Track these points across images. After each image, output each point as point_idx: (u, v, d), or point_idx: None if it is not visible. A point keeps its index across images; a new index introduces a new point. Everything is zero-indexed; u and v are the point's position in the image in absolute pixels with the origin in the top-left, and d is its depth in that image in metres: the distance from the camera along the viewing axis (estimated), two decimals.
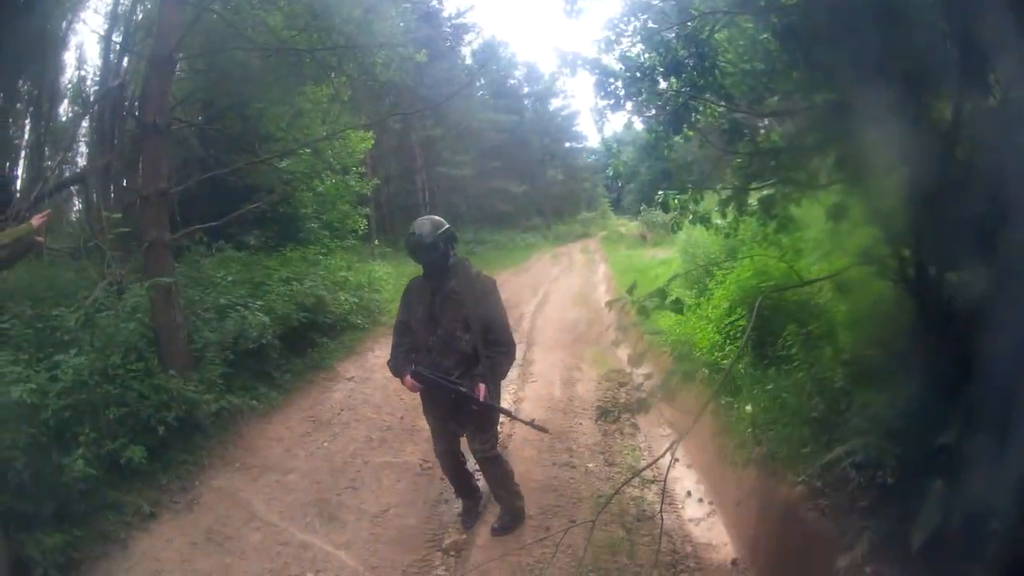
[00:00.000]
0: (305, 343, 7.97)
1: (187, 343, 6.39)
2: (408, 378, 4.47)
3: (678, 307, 4.46)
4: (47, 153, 8.85)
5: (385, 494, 5.61)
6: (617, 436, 6.59)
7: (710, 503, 5.29)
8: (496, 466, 4.79)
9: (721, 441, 5.09)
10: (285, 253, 9.15)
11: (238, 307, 7.19)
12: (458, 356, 4.48)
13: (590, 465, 5.94)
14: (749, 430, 4.67)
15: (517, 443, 6.31)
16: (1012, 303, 2.63)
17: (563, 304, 11.43)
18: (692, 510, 5.28)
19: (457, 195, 24.44)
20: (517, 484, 4.93)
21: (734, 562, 4.56)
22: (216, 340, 6.66)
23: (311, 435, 6.55)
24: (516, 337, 9.40)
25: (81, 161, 9.11)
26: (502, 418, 5.02)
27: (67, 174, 8.90)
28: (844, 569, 3.17)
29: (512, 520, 4.87)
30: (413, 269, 5.06)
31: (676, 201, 5.07)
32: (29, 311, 5.58)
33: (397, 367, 4.58)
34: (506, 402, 7.38)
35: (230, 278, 7.82)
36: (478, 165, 25.86)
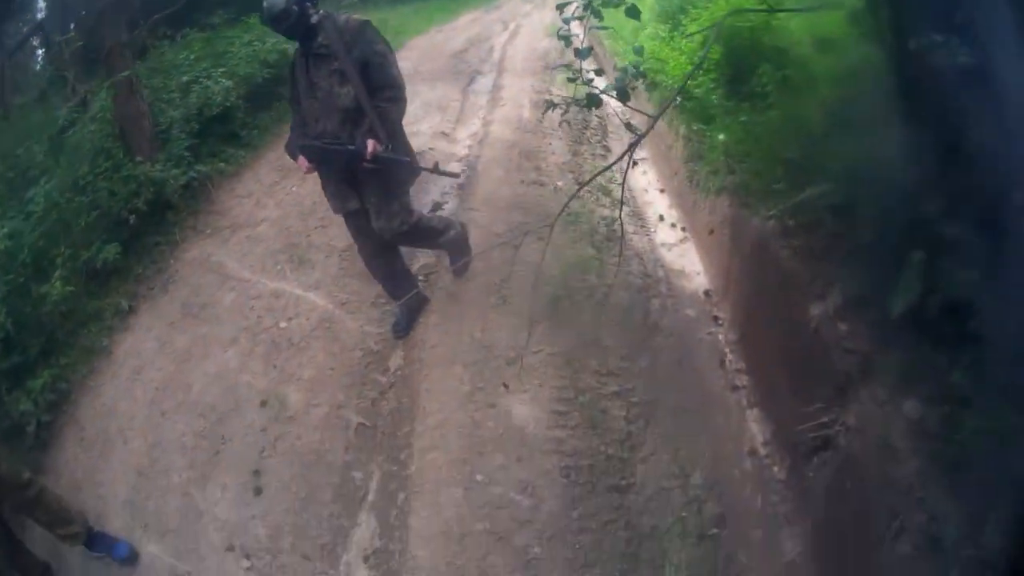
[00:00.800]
0: (271, 98, 7.67)
1: (152, 128, 6.27)
2: (299, 159, 4.09)
3: (634, 12, 3.56)
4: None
5: None
6: (588, 156, 6.42)
7: (683, 229, 5.16)
8: (417, 234, 4.35)
9: (694, 168, 4.91)
10: (248, 21, 8.69)
11: (201, 80, 7.06)
12: (341, 115, 4.00)
13: (559, 183, 5.79)
14: (722, 158, 4.46)
15: (485, 163, 6.18)
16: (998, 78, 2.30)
17: (534, 35, 10.74)
18: (665, 234, 5.19)
19: None
20: (447, 222, 4.59)
21: (707, 293, 4.53)
22: (181, 116, 6.56)
23: (279, 184, 6.45)
24: (486, 68, 9.34)
25: None
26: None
27: None
28: (817, 319, 3.10)
29: (460, 253, 4.60)
30: None
31: None
32: None
33: (289, 149, 4.20)
34: (473, 126, 7.33)
35: (192, 56, 7.69)
36: None
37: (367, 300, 4.77)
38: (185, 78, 7.12)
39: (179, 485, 3.98)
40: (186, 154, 6.26)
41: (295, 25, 3.92)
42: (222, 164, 6.65)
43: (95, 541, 3.83)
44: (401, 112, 4.12)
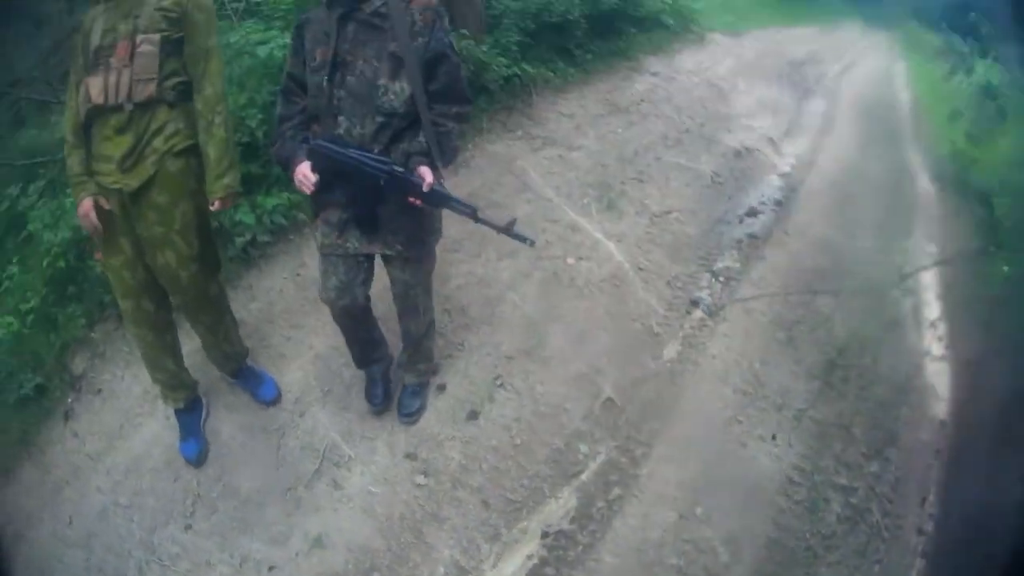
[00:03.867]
0: (612, 30, 7.42)
1: (483, 8, 6.15)
2: (300, 164, 2.95)
3: None
4: None
5: (670, 196, 5.26)
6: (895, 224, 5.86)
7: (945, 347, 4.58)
8: (427, 311, 3.51)
9: None
10: None
11: None
12: (382, 119, 2.94)
13: (866, 244, 5.33)
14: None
15: (807, 192, 5.79)
16: None
17: (865, 78, 10.11)
18: (931, 344, 4.57)
19: None
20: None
21: (942, 424, 4.00)
22: (517, 8, 6.38)
23: (604, 118, 6.18)
24: (820, 90, 8.75)
25: None
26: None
27: None
28: None
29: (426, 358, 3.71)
30: None
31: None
32: None
33: (282, 151, 3.06)
34: (800, 146, 6.79)
35: None
36: None
37: (665, 276, 4.46)
38: None
39: None
40: (514, 47, 6.07)
41: None
42: (550, 73, 6.40)
43: (246, 373, 3.79)
44: (461, 142, 3.42)
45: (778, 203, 5.50)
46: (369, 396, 3.63)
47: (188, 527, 3.34)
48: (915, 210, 6.26)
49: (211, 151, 3.19)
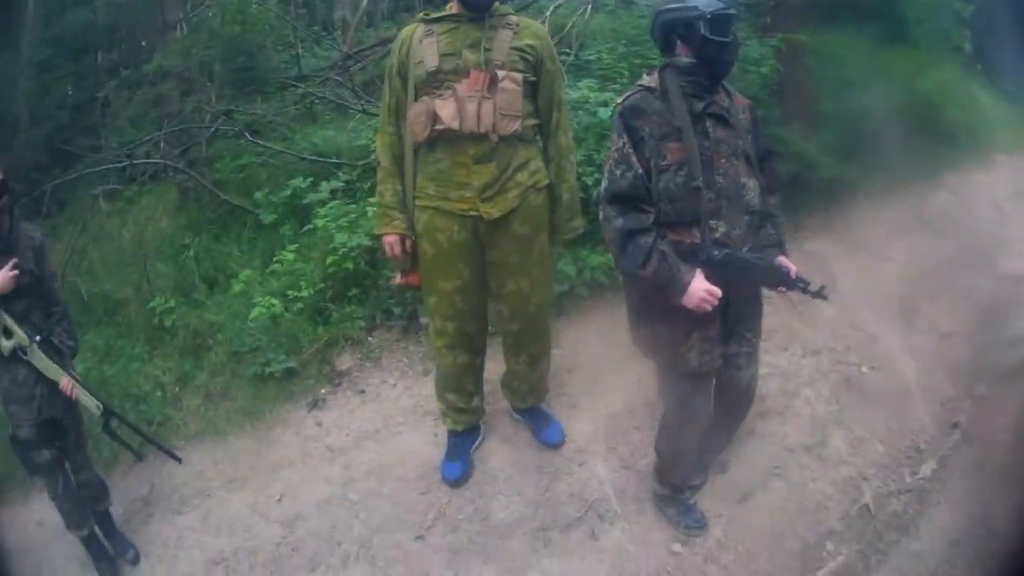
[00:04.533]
0: (911, 141, 7.32)
1: (809, 104, 6.35)
2: (696, 280, 2.80)
3: None
4: None
5: (956, 316, 5.28)
6: None
7: None
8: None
9: None
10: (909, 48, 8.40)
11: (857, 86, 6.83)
12: (747, 217, 2.95)
13: None
14: None
15: None
16: None
17: None
18: None
19: None
20: None
21: None
22: (845, 116, 6.49)
23: (907, 231, 6.25)
24: None
25: None
26: None
27: None
28: None
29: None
30: None
31: None
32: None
33: (666, 267, 2.78)
34: None
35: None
36: None
37: (941, 397, 4.58)
38: (847, 74, 6.92)
39: None
40: (839, 150, 6.19)
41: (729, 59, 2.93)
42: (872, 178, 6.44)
43: (535, 413, 4.00)
44: None
45: None
46: (697, 521, 3.61)
47: (420, 538, 3.54)
48: None
49: (564, 194, 3.48)
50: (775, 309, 4.70)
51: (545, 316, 3.69)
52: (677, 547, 3.52)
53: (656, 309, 2.97)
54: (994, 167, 8.44)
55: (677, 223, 2.85)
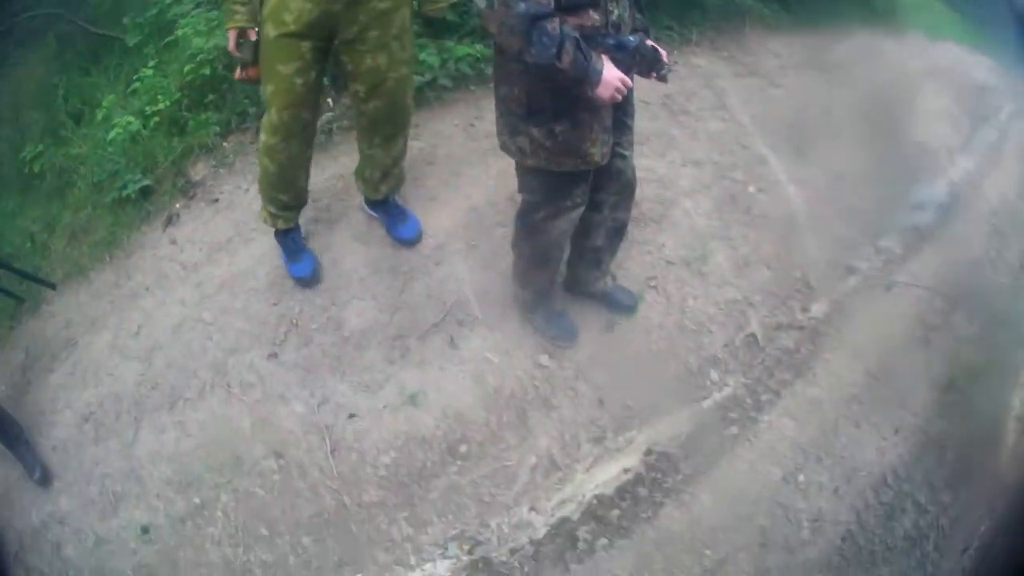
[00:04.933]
0: None
1: None
2: (612, 71, 2.55)
3: None
4: None
5: (857, 161, 5.14)
6: None
7: None
8: None
9: None
10: None
11: None
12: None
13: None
14: None
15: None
16: None
17: None
18: None
19: None
20: None
21: None
22: None
23: (809, 70, 6.14)
24: (998, 123, 8.46)
25: None
26: None
27: None
28: None
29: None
30: None
31: None
32: None
33: (580, 56, 2.49)
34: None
35: None
36: None
37: (834, 236, 4.48)
38: None
39: None
40: None
41: None
42: (765, 11, 6.34)
43: (390, 207, 3.77)
44: None
45: (942, 208, 5.43)
46: (567, 331, 3.47)
47: (273, 355, 3.37)
48: None
49: None
50: (652, 114, 4.62)
51: (404, 95, 3.44)
52: (544, 359, 3.39)
53: (554, 106, 2.72)
54: (908, 44, 8.42)
55: (576, 5, 2.56)
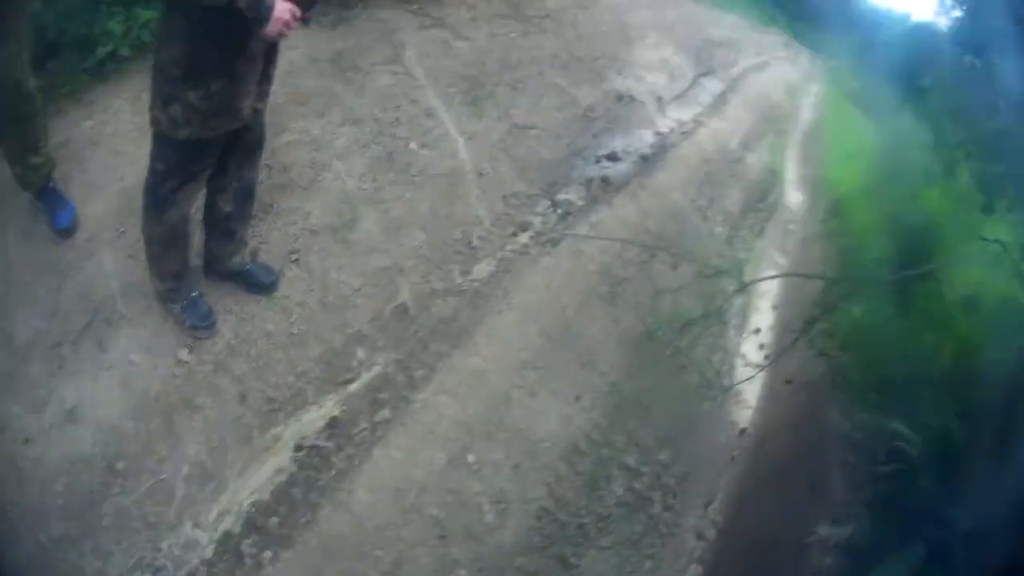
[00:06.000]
0: None
1: None
2: (282, 2, 2.36)
3: None
4: None
5: (538, 114, 5.08)
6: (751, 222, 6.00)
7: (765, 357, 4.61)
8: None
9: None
10: None
11: None
12: None
13: (717, 229, 5.40)
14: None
15: (674, 158, 5.72)
16: None
17: (774, 83, 10.33)
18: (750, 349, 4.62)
19: None
20: None
21: (742, 432, 4.01)
22: None
23: (503, 20, 5.93)
24: (722, 74, 8.78)
25: None
26: None
27: None
28: None
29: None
30: None
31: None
32: None
33: None
34: (687, 114, 6.71)
35: None
36: None
37: (504, 190, 4.27)
38: None
39: None
40: None
41: None
42: None
43: (51, 196, 3.36)
44: None
45: (643, 157, 5.39)
46: (203, 318, 3.14)
47: None
48: (775, 219, 6.35)
49: None
50: (319, 71, 4.30)
51: (12, 71, 2.98)
52: (184, 354, 3.06)
53: (214, 62, 2.51)
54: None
55: None
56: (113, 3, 4.01)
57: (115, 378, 2.95)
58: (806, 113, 9.84)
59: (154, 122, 2.65)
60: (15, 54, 2.90)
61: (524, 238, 4.08)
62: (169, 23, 2.49)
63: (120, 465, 2.77)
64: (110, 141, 3.76)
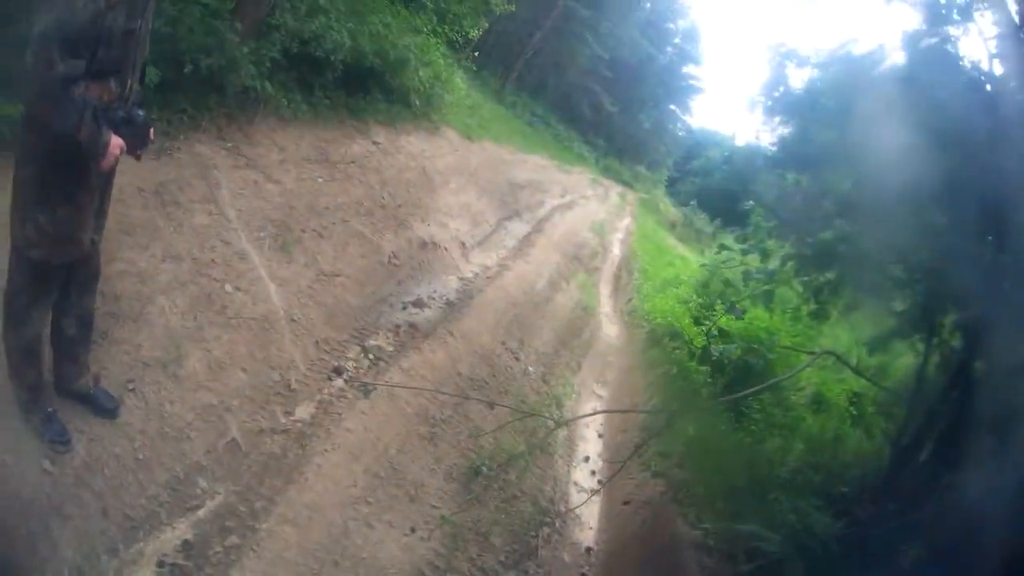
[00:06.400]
0: (361, 88, 7.47)
1: (266, 13, 6.01)
2: (115, 139, 2.51)
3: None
4: None
5: (343, 260, 5.36)
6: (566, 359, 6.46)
7: (598, 482, 5.00)
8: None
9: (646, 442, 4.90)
10: (397, 6, 8.72)
11: (329, 14, 6.72)
12: (138, 73, 2.77)
13: (531, 369, 5.82)
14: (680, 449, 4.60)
15: (483, 301, 6.23)
16: None
17: (581, 221, 11.18)
18: (581, 476, 5.07)
19: (555, 70, 24.27)
20: None
21: (588, 550, 4.36)
22: (292, 28, 6.21)
23: (312, 164, 6.12)
24: (527, 216, 9.49)
25: None
26: None
27: None
28: None
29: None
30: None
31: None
32: None
33: (95, 126, 2.44)
34: (491, 259, 7.37)
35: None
36: (591, 62, 25.54)
37: (316, 336, 4.51)
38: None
39: None
40: (268, 63, 5.85)
41: None
42: (284, 101, 6.18)
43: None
44: None
45: (449, 303, 5.76)
46: (60, 435, 3.10)
47: None
48: (591, 353, 6.81)
49: None
50: (144, 203, 4.31)
51: None
52: (48, 465, 3.04)
53: (61, 188, 2.60)
54: (441, 141, 8.93)
55: (103, 72, 2.47)
56: None
57: None
58: (617, 248, 10.61)
59: (13, 237, 2.71)
60: None
61: (339, 382, 4.30)
62: (28, 143, 2.57)
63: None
64: None
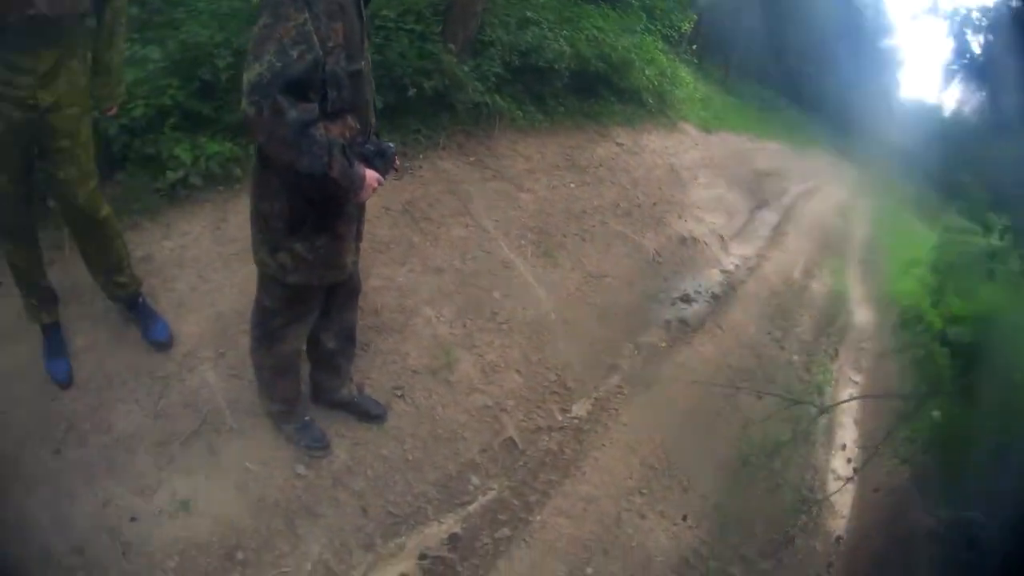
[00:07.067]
0: (591, 92, 7.51)
1: (476, 30, 6.08)
2: (370, 173, 2.56)
3: None
4: None
5: (608, 261, 5.31)
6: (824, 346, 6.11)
7: (854, 469, 4.61)
8: None
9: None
10: (604, 9, 8.69)
11: (541, 24, 6.80)
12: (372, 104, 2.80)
13: (795, 358, 5.56)
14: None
15: (745, 293, 6.02)
16: None
17: (825, 206, 10.61)
18: (838, 464, 4.76)
19: (773, 55, 23.45)
20: None
21: (838, 539, 4.11)
22: (507, 42, 6.30)
23: (560, 171, 6.20)
24: (775, 205, 9.07)
25: None
26: None
27: None
28: None
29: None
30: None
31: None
32: None
33: (345, 163, 2.45)
34: (748, 249, 7.11)
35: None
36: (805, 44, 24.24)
37: (589, 336, 4.47)
38: (528, 14, 6.92)
39: None
40: (492, 77, 6.00)
41: None
42: (519, 112, 6.33)
43: (140, 309, 3.50)
44: None
45: (715, 296, 5.61)
46: (317, 440, 3.26)
47: (57, 451, 3.07)
48: (847, 340, 6.39)
49: (116, 58, 3.16)
50: (392, 221, 4.48)
51: (96, 210, 3.20)
52: (302, 469, 3.19)
53: (315, 219, 2.65)
54: (681, 136, 8.86)
55: (338, 112, 2.51)
56: (175, 128, 4.22)
57: (230, 480, 3.07)
58: (860, 230, 10.05)
59: (260, 264, 2.78)
60: (76, 178, 3.06)
61: (615, 379, 4.24)
62: (265, 178, 2.62)
63: (239, 555, 2.86)
64: (194, 265, 3.94)
